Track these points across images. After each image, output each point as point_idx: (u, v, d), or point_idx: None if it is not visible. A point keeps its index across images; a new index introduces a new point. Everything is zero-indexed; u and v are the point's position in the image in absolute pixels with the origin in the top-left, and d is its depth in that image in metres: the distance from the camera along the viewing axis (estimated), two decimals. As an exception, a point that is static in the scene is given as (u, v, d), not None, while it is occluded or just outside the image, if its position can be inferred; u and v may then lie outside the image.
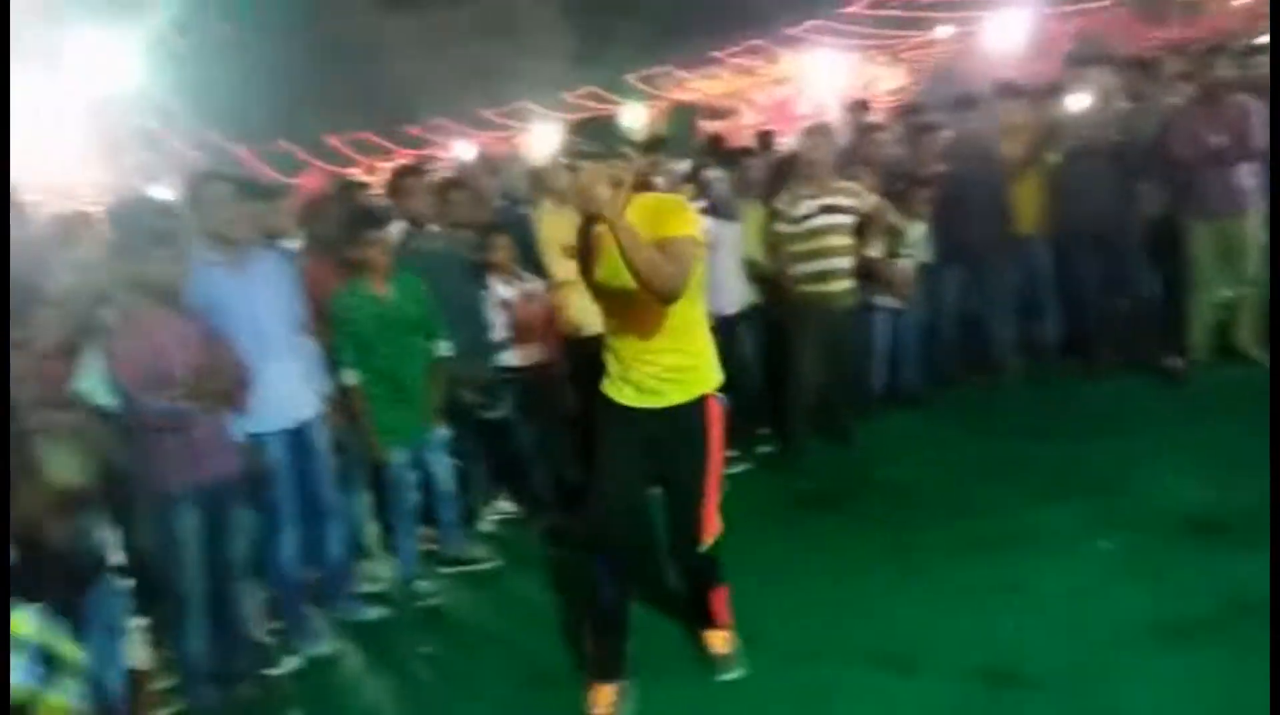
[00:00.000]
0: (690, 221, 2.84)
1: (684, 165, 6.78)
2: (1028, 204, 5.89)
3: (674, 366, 2.95)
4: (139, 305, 3.18)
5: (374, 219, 4.19)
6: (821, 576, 3.85)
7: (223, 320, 3.46)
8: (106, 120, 14.96)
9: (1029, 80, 7.10)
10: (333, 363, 4.01)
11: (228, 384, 3.34)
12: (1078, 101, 5.78)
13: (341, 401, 4.04)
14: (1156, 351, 5.62)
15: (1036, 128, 5.94)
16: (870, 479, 4.87)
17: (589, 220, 2.92)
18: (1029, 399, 5.77)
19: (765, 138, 7.38)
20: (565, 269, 4.18)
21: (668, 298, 2.74)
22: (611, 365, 3.05)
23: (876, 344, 5.71)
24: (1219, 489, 4.05)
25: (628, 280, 2.76)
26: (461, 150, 22.93)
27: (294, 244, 4.44)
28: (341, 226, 4.33)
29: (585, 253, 3.00)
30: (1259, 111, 5.15)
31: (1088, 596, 3.44)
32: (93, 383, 3.13)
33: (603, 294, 3.00)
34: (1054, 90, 6.17)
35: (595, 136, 2.89)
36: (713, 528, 3.11)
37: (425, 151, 22.82)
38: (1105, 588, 3.48)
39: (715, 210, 5.12)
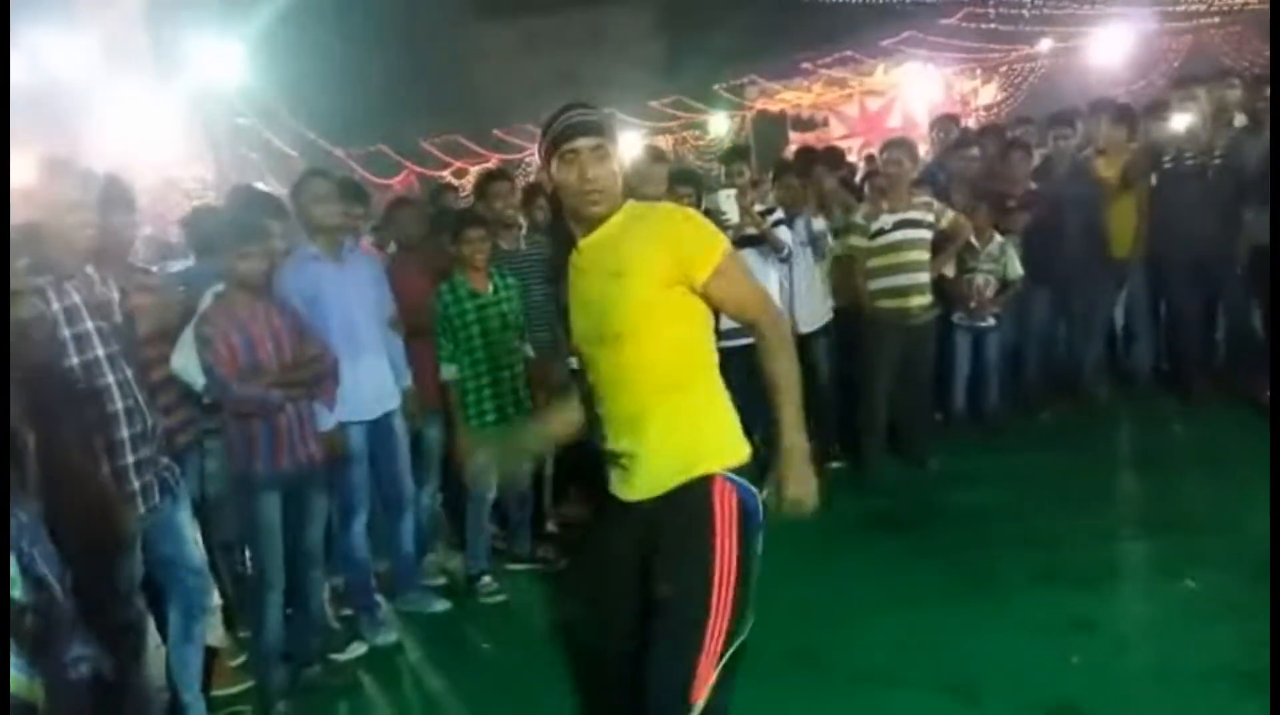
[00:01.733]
0: (711, 232, 2.19)
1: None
2: (1124, 227, 5.70)
3: (668, 445, 2.16)
4: (232, 295, 3.32)
5: (475, 217, 4.28)
6: (887, 599, 3.78)
7: (318, 313, 3.61)
8: (209, 118, 15.59)
9: (1131, 98, 6.86)
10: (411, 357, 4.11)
11: (315, 374, 3.46)
12: (1182, 121, 5.57)
13: (427, 395, 4.14)
14: (1254, 385, 5.36)
15: (1136, 148, 5.76)
16: (944, 503, 4.75)
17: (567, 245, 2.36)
18: (1116, 429, 5.57)
19: (831, 154, 7.24)
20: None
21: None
22: (596, 436, 2.35)
23: (957, 364, 5.58)
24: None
25: (603, 322, 2.19)
26: (549, 155, 23.20)
27: (366, 240, 4.59)
28: (428, 227, 4.44)
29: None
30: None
31: (1165, 637, 3.30)
32: (186, 363, 3.28)
33: (582, 341, 2.35)
34: (1157, 109, 5.96)
35: None
36: (706, 681, 2.04)
37: (513, 155, 23.19)
38: (1184, 629, 3.32)
39: (814, 246, 5.14)
